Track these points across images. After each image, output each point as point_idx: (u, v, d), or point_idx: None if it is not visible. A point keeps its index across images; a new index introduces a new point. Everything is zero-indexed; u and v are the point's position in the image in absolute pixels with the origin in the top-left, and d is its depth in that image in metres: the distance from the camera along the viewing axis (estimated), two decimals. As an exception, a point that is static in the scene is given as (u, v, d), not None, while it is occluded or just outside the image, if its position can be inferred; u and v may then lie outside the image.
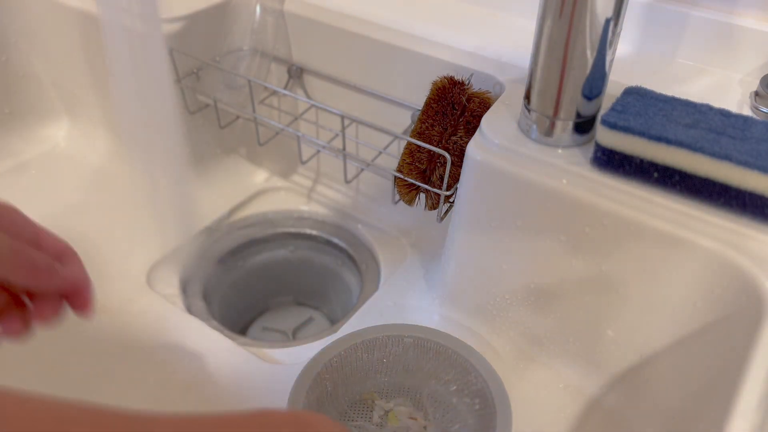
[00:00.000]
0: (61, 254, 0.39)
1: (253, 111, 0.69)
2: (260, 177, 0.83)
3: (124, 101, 0.62)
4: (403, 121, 0.67)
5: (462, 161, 0.54)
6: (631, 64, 0.58)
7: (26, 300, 0.38)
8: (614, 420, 0.52)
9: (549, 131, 0.50)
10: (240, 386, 0.55)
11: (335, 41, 0.68)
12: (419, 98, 0.60)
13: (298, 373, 0.47)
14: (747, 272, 0.43)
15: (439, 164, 0.57)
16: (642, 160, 0.46)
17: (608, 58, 0.46)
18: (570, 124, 0.49)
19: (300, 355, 0.59)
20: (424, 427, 0.50)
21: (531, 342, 0.56)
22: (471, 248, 0.56)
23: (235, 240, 0.77)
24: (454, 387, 0.51)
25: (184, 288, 0.69)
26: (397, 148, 0.67)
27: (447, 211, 0.60)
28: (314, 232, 0.78)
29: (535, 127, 0.50)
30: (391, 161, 0.64)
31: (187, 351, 0.58)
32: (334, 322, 0.78)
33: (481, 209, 0.53)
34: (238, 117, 0.75)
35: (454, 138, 0.56)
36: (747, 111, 0.53)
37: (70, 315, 0.39)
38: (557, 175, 0.49)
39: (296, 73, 0.74)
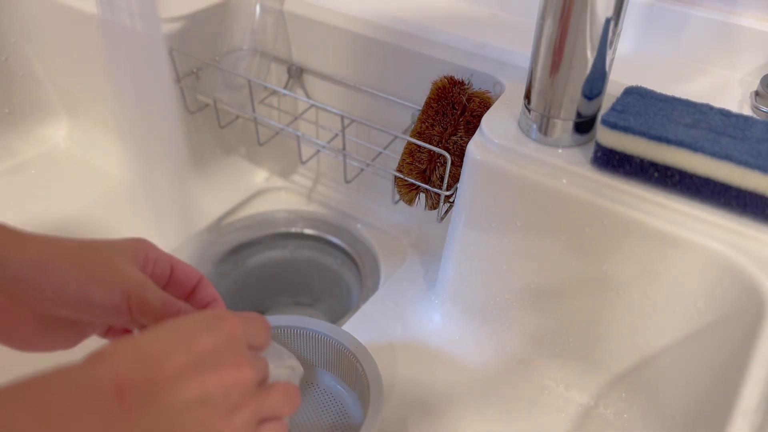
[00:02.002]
0: (196, 283, 0.40)
1: (253, 111, 0.69)
2: (260, 177, 0.83)
3: (124, 101, 0.61)
4: (403, 120, 0.67)
5: (462, 161, 0.54)
6: (631, 64, 0.58)
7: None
8: (614, 420, 0.52)
9: (549, 131, 0.50)
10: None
11: (335, 41, 0.68)
12: (419, 98, 0.60)
13: None
14: (747, 272, 0.43)
15: (439, 164, 0.57)
16: (642, 160, 0.46)
17: (608, 58, 0.46)
18: (570, 124, 0.49)
19: (300, 355, 0.59)
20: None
21: (531, 342, 0.56)
22: (471, 248, 0.56)
23: (235, 240, 0.77)
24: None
25: (184, 288, 0.69)
26: (398, 148, 0.67)
27: (447, 211, 0.60)
28: (314, 232, 0.78)
29: (535, 127, 0.50)
30: (391, 161, 0.64)
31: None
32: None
33: (481, 209, 0.53)
34: (238, 117, 0.75)
35: (454, 138, 0.56)
36: (747, 111, 0.53)
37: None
38: (557, 175, 0.49)
39: (296, 73, 0.74)
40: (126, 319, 0.36)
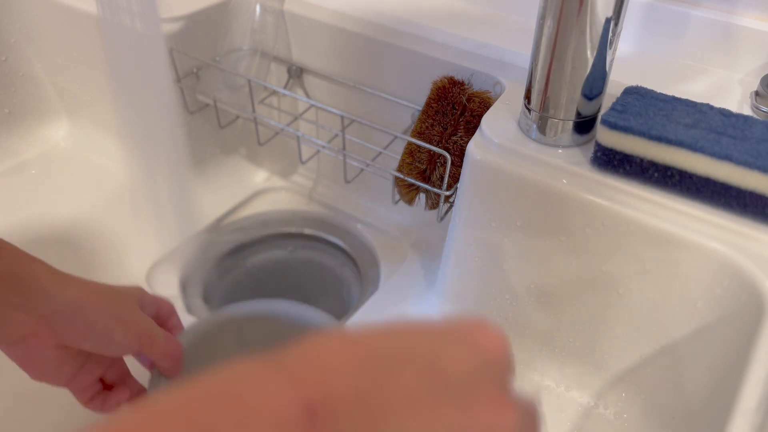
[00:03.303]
0: (170, 314, 0.46)
1: (253, 111, 0.69)
2: (260, 177, 0.82)
3: (124, 101, 0.61)
4: (403, 120, 0.67)
5: (462, 161, 0.54)
6: (631, 64, 0.58)
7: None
8: (614, 420, 0.52)
9: (549, 131, 0.50)
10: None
11: (335, 41, 0.68)
12: (419, 98, 0.60)
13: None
14: (747, 272, 0.43)
15: (439, 164, 0.57)
16: (642, 160, 0.46)
17: (608, 58, 0.46)
18: (570, 124, 0.49)
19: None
20: None
21: (531, 342, 0.56)
22: (471, 248, 0.56)
23: (235, 240, 0.77)
24: None
25: (184, 288, 0.69)
26: (398, 148, 0.67)
27: (447, 211, 0.60)
28: (314, 232, 0.78)
29: (535, 127, 0.50)
30: (391, 161, 0.64)
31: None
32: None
33: (481, 209, 0.53)
34: (238, 117, 0.75)
35: (454, 138, 0.56)
36: (747, 111, 0.53)
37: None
38: (557, 175, 0.49)
39: (296, 73, 0.74)
40: (133, 354, 0.41)
